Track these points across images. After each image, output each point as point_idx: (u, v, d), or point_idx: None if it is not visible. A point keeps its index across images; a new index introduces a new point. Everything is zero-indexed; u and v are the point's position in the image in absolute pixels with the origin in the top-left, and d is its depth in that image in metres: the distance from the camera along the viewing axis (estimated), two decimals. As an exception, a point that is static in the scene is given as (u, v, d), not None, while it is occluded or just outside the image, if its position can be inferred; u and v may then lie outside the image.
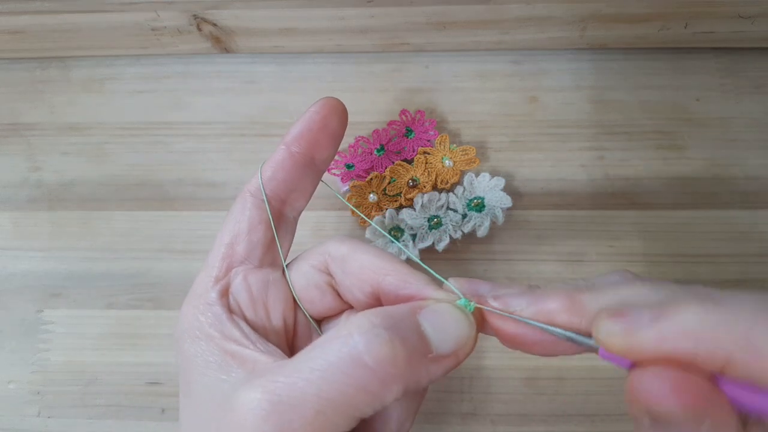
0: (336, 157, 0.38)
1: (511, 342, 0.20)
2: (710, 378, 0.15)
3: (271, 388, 0.17)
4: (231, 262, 0.22)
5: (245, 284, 0.22)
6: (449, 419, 0.33)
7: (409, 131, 0.38)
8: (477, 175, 0.36)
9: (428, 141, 0.38)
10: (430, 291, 0.20)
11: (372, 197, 0.36)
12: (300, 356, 0.18)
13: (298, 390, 0.17)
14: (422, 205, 0.35)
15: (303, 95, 0.41)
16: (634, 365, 0.16)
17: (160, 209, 0.38)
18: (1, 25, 0.39)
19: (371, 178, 0.36)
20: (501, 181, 0.36)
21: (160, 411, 0.33)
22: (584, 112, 0.39)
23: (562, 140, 0.39)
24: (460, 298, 0.20)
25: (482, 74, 0.41)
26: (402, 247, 0.34)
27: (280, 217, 0.24)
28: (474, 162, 0.37)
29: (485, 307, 0.20)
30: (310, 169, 0.24)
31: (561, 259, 0.36)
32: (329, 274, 0.23)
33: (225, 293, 0.22)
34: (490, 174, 0.36)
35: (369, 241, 0.35)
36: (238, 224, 0.23)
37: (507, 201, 0.35)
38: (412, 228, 0.35)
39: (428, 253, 0.35)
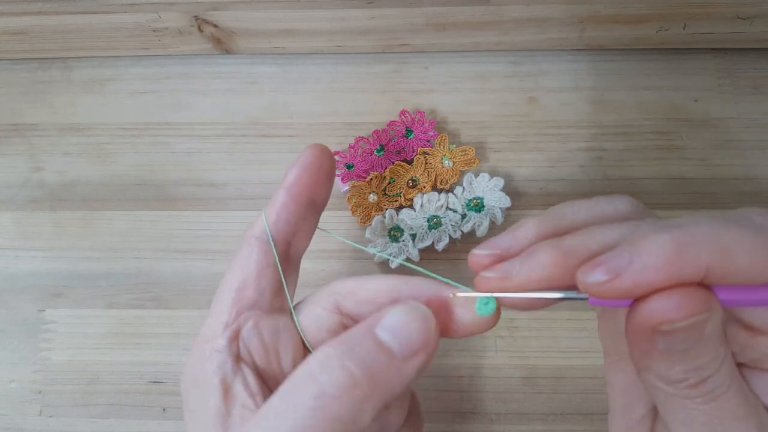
0: (336, 158, 0.38)
1: (507, 305, 0.20)
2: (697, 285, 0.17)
3: None
4: (240, 308, 0.22)
5: (256, 330, 0.22)
6: (448, 418, 0.33)
7: (408, 132, 0.38)
8: (476, 175, 0.37)
9: (428, 141, 0.38)
10: (445, 290, 0.21)
11: (372, 197, 0.36)
12: (268, 407, 0.19)
13: None
14: (422, 206, 0.36)
15: (303, 96, 0.41)
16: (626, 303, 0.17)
17: (161, 209, 0.38)
18: (3, 26, 0.39)
19: (371, 179, 0.37)
20: (500, 182, 0.36)
21: (161, 410, 0.34)
22: (583, 112, 0.40)
23: (561, 140, 0.39)
24: (469, 291, 0.21)
25: (481, 75, 0.41)
26: (399, 247, 0.35)
27: (287, 260, 0.24)
28: (473, 162, 0.37)
29: (495, 295, 0.20)
30: (310, 209, 0.24)
31: (560, 258, 0.36)
32: (341, 314, 0.23)
33: (235, 339, 0.22)
34: (490, 174, 0.36)
35: (369, 241, 0.35)
36: (246, 269, 0.23)
37: (506, 201, 0.35)
38: (411, 228, 0.35)
39: (428, 253, 0.35)
